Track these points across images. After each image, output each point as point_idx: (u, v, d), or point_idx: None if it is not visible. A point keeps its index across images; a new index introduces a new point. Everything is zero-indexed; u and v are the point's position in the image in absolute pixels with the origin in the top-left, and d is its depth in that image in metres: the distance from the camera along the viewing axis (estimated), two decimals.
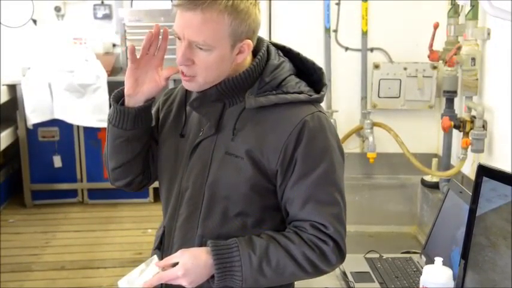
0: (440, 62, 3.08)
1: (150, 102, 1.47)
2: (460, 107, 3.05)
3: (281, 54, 1.46)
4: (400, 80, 3.39)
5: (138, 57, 1.42)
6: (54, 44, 4.64)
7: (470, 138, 2.83)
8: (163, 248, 1.52)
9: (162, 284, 1.38)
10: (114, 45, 4.74)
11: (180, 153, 1.48)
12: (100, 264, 3.57)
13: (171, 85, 4.23)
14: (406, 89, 3.40)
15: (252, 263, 1.34)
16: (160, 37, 1.41)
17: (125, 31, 4.43)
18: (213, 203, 1.41)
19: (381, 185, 3.52)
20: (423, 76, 3.37)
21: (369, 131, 3.33)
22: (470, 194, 1.41)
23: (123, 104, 1.46)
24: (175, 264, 1.34)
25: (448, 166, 3.21)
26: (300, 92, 1.39)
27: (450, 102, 3.05)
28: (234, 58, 1.36)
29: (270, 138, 1.36)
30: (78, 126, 4.46)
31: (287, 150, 1.35)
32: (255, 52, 1.42)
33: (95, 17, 4.83)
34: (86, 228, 4.16)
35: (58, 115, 4.32)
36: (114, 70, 4.58)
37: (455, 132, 3.12)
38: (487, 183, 1.35)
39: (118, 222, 4.26)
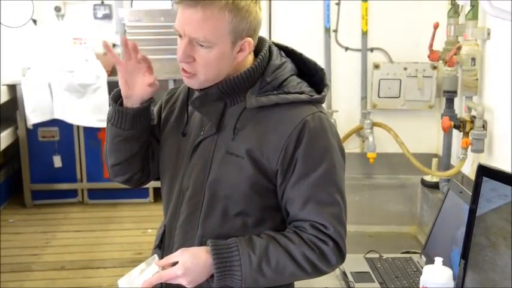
0: (440, 62, 3.08)
1: (147, 103, 1.47)
2: (460, 107, 3.05)
3: (283, 54, 1.46)
4: (400, 80, 3.39)
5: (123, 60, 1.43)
6: (54, 44, 4.64)
7: (470, 138, 2.83)
8: (163, 247, 1.53)
9: (161, 283, 1.38)
10: (114, 45, 4.73)
11: (182, 153, 1.49)
12: (100, 264, 3.57)
13: (171, 85, 4.26)
14: (406, 89, 3.40)
15: (251, 263, 1.34)
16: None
17: (125, 31, 4.43)
18: (214, 203, 1.41)
19: (380, 185, 3.51)
20: (423, 76, 3.37)
21: (368, 131, 3.33)
22: (470, 194, 1.41)
23: (121, 104, 1.46)
24: (175, 264, 1.34)
25: (448, 166, 3.21)
26: (301, 92, 1.40)
27: (450, 102, 3.05)
28: (234, 56, 1.36)
29: (271, 138, 1.36)
30: (78, 126, 4.46)
31: (287, 150, 1.35)
32: (256, 52, 1.42)
33: (95, 17, 4.83)
34: (86, 228, 4.16)
35: (58, 115, 4.32)
36: (114, 70, 4.58)
37: (455, 132, 3.11)
38: (487, 183, 1.35)
39: (118, 222, 4.26)
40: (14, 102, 4.36)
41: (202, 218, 1.43)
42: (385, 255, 2.05)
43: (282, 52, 1.46)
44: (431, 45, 3.01)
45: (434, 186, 3.30)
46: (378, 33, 3.41)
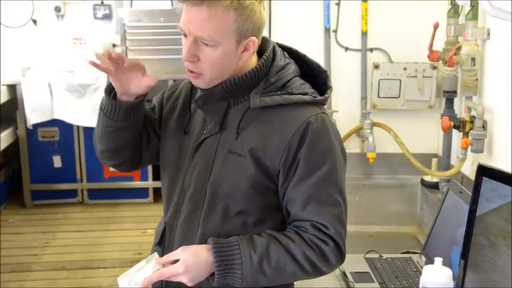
0: (440, 62, 3.08)
1: (141, 98, 1.47)
2: (459, 107, 3.05)
3: (286, 55, 1.47)
4: (400, 80, 3.39)
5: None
6: (54, 44, 4.63)
7: (470, 138, 2.83)
8: (164, 244, 1.53)
9: (162, 281, 1.38)
10: (114, 45, 4.74)
11: (184, 151, 1.49)
12: (100, 264, 3.57)
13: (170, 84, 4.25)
14: (406, 89, 3.40)
15: (252, 262, 1.34)
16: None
17: (125, 31, 4.42)
18: (215, 201, 1.42)
19: (380, 185, 3.52)
20: (423, 76, 3.37)
21: (368, 131, 3.33)
22: (470, 194, 1.41)
23: (115, 96, 1.46)
24: (175, 261, 1.35)
25: (448, 166, 3.21)
26: (305, 94, 1.41)
27: (450, 102, 3.05)
28: (239, 55, 1.37)
29: (274, 138, 1.37)
30: (78, 126, 4.46)
31: (290, 149, 1.36)
32: (261, 53, 1.43)
33: (95, 17, 4.83)
34: (86, 228, 4.16)
35: (58, 115, 4.32)
36: None
37: (455, 132, 3.12)
38: (487, 183, 1.35)
39: (118, 222, 4.26)
40: (14, 102, 4.36)
41: (203, 217, 1.43)
42: (385, 255, 2.05)
43: (285, 53, 1.47)
44: (431, 45, 3.01)
45: (434, 186, 3.31)
46: (377, 34, 3.41)
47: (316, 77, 1.48)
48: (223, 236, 1.39)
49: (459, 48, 2.84)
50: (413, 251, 2.12)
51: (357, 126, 3.45)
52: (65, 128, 4.43)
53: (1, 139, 4.20)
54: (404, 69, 3.38)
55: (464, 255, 1.41)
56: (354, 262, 1.95)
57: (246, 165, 1.38)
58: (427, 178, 3.37)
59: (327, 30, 3.40)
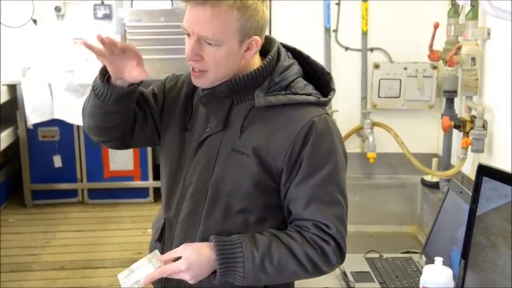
0: (441, 62, 3.09)
1: (134, 86, 1.43)
2: (460, 107, 3.05)
3: (290, 56, 1.47)
4: (400, 80, 3.39)
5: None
6: (54, 44, 4.64)
7: (470, 138, 2.83)
8: (163, 241, 1.52)
9: (161, 278, 1.38)
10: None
11: (186, 148, 1.49)
12: (100, 264, 3.57)
13: None
14: (406, 89, 3.40)
15: (254, 260, 1.34)
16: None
17: (125, 31, 4.43)
18: (216, 200, 1.42)
19: (381, 185, 3.52)
20: (423, 76, 3.37)
21: (369, 130, 3.33)
22: (470, 193, 1.41)
23: (109, 79, 1.43)
24: (177, 259, 1.34)
25: (448, 166, 3.21)
26: (309, 94, 1.41)
27: (450, 102, 3.05)
28: (242, 54, 1.37)
29: (278, 137, 1.37)
30: (78, 126, 4.45)
31: (294, 149, 1.36)
32: (264, 52, 1.43)
33: (95, 17, 4.82)
34: (86, 228, 4.16)
35: (58, 115, 4.32)
36: None
37: (455, 132, 3.12)
38: (487, 183, 1.35)
39: (118, 222, 4.26)
40: (14, 102, 4.35)
41: (204, 215, 1.43)
42: (385, 255, 2.04)
43: (289, 53, 1.47)
44: (431, 45, 3.01)
45: (435, 186, 3.31)
46: (378, 33, 3.41)
47: (319, 79, 1.48)
48: (224, 234, 1.39)
49: (459, 48, 2.84)
50: (414, 250, 2.12)
51: (357, 126, 3.45)
52: (65, 127, 4.43)
53: (1, 139, 4.20)
54: (405, 69, 3.38)
55: (465, 255, 1.41)
56: (354, 262, 1.94)
57: (248, 164, 1.38)
58: (428, 178, 3.37)
59: (327, 30, 3.40)
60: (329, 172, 1.37)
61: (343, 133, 3.38)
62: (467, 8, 2.84)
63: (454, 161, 3.20)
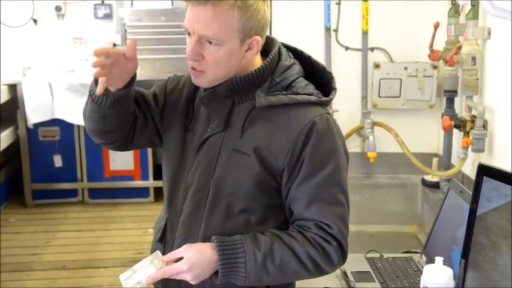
0: (441, 61, 3.09)
1: (128, 88, 1.43)
2: (460, 107, 3.05)
3: (291, 56, 1.47)
4: (400, 79, 3.39)
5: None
6: (55, 44, 4.64)
7: (470, 137, 2.83)
8: (165, 241, 1.52)
9: (163, 279, 1.38)
10: (114, 45, 4.73)
11: (187, 148, 1.49)
12: (100, 264, 3.57)
13: None
14: (407, 89, 3.40)
15: (256, 260, 1.34)
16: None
17: (126, 31, 4.42)
18: (218, 200, 1.42)
19: (381, 185, 3.52)
20: (424, 76, 3.37)
21: (369, 130, 3.34)
22: (471, 193, 1.41)
23: None
24: (179, 259, 1.34)
25: (449, 166, 3.21)
26: (310, 94, 1.41)
27: (450, 101, 3.05)
28: (243, 54, 1.37)
29: (279, 137, 1.37)
30: (78, 126, 4.46)
31: (295, 149, 1.36)
32: (266, 52, 1.43)
33: (96, 17, 4.83)
34: (87, 227, 4.16)
35: (58, 115, 4.32)
36: None
37: (455, 131, 3.12)
38: (488, 183, 1.35)
39: (118, 221, 4.26)
40: (15, 102, 4.35)
41: (206, 215, 1.43)
42: (385, 255, 2.05)
43: (290, 53, 1.47)
44: (431, 45, 3.01)
45: (435, 185, 3.31)
46: (378, 33, 3.41)
47: (320, 78, 1.48)
48: (226, 234, 1.39)
49: (460, 48, 2.84)
50: (414, 250, 2.12)
51: (358, 126, 3.45)
52: (65, 127, 4.43)
53: (2, 139, 4.20)
54: (405, 68, 3.38)
55: (465, 254, 1.41)
56: (355, 262, 1.94)
57: (250, 164, 1.38)
58: (428, 178, 3.37)
59: (328, 30, 3.40)
60: (330, 172, 1.37)
61: (343, 133, 3.39)
62: (468, 7, 2.84)
63: (454, 160, 3.20)
